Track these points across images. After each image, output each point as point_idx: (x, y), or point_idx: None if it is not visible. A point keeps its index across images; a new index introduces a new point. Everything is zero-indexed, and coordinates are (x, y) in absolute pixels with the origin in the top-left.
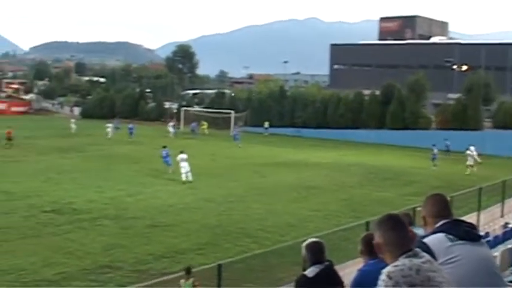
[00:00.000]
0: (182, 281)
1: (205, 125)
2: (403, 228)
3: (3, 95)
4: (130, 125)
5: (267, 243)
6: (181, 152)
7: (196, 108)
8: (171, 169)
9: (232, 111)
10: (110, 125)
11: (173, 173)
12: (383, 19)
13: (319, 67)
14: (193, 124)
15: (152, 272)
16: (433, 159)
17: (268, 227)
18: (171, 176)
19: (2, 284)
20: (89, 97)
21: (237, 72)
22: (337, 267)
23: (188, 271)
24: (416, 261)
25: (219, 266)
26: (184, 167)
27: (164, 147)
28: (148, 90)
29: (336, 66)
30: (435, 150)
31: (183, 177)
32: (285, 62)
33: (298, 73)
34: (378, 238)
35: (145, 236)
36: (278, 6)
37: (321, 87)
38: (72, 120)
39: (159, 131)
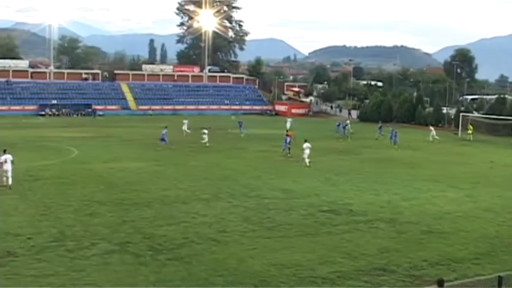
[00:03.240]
0: None
1: (470, 129)
2: None
3: (284, 97)
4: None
5: None
6: None
7: (475, 114)
8: None
9: None
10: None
11: (450, 178)
12: None
13: None
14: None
15: (426, 279)
16: None
17: None
18: (448, 181)
19: (280, 278)
20: (367, 101)
21: None
22: None
23: (441, 283)
24: None
25: (499, 278)
26: None
27: None
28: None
29: None
30: None
31: None
32: None
33: None
34: None
35: (420, 242)
36: None
37: None
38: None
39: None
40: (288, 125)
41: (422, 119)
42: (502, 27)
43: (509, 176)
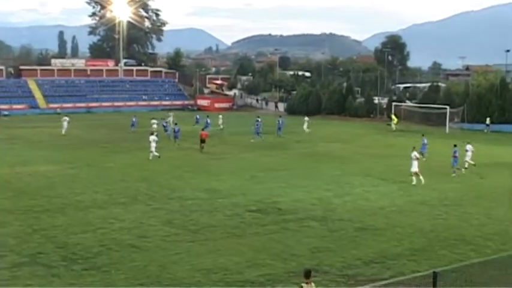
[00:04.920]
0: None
1: (394, 119)
2: None
3: (206, 91)
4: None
5: (487, 251)
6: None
7: (408, 103)
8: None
9: (447, 107)
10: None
11: (383, 172)
12: None
13: None
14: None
15: (360, 278)
16: None
17: (489, 234)
18: (381, 175)
19: (206, 283)
20: (294, 92)
21: (451, 63)
22: None
23: (308, 275)
24: None
25: (434, 274)
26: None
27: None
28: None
29: None
30: None
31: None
32: (507, 51)
33: None
34: None
35: (353, 240)
36: None
37: None
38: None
39: (367, 128)
40: (220, 121)
41: (354, 110)
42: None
43: (445, 167)
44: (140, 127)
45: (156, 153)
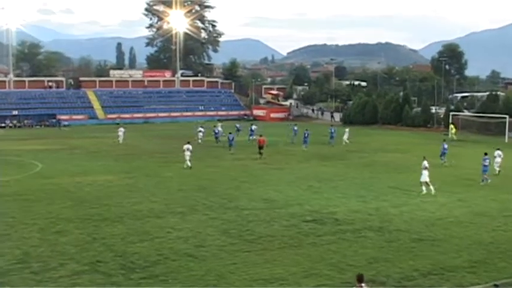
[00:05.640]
0: None
1: (453, 128)
2: None
3: (262, 101)
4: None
5: None
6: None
7: (466, 112)
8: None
9: (506, 116)
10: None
11: (440, 182)
12: None
13: None
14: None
15: None
16: None
17: None
18: (439, 185)
19: None
20: (350, 102)
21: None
22: None
23: (361, 279)
24: None
25: (496, 286)
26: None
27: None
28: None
29: None
30: None
31: None
32: None
33: None
34: None
35: (410, 251)
36: None
37: None
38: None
39: (424, 138)
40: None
41: (410, 120)
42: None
43: (504, 178)
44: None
45: (189, 163)
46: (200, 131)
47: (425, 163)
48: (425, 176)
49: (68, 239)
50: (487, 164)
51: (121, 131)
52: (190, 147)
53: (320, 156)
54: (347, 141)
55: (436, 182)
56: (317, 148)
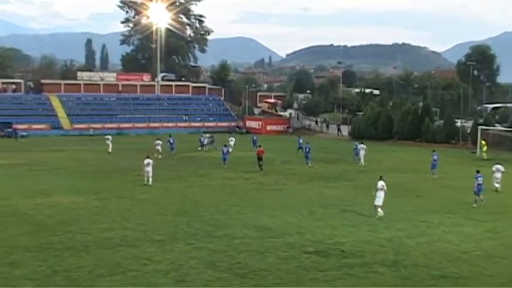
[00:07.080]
0: None
1: (484, 145)
2: None
3: (257, 111)
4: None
5: None
6: None
7: (498, 127)
8: None
9: None
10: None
11: (467, 209)
12: None
13: None
14: None
15: None
16: None
17: None
18: (465, 212)
19: None
20: (360, 113)
21: None
22: None
23: None
24: None
25: None
26: None
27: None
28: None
29: None
30: None
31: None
32: None
33: None
34: None
35: None
36: None
37: None
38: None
39: (448, 157)
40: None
41: (430, 135)
42: None
43: None
44: (180, 152)
45: (146, 181)
46: (158, 145)
47: (382, 183)
48: (380, 199)
49: (23, 271)
50: (480, 182)
51: (108, 139)
52: (150, 161)
53: (324, 176)
54: (363, 162)
55: (460, 208)
56: (321, 166)
